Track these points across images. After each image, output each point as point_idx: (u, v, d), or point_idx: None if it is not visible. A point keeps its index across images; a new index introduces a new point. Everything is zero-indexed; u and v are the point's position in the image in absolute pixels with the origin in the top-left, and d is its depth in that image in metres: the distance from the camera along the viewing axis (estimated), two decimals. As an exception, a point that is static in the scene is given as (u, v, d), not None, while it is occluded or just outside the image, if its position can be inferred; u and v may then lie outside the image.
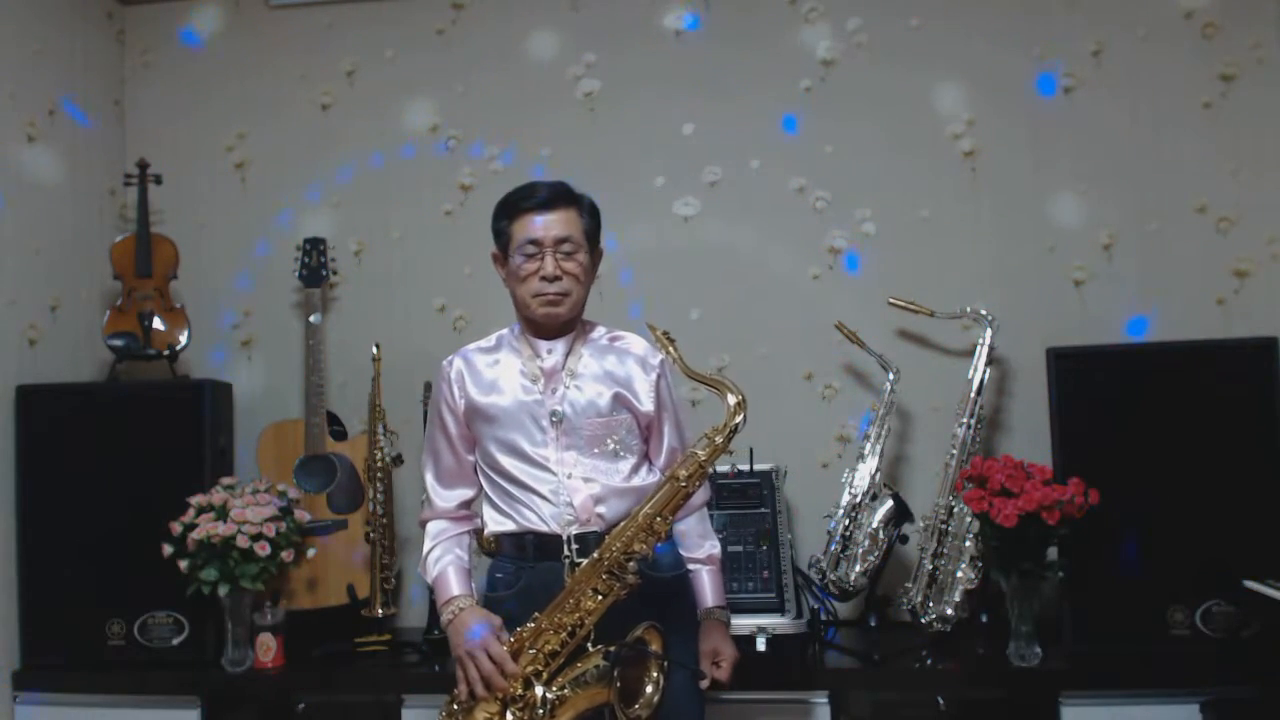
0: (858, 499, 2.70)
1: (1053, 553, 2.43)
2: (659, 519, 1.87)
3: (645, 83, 3.04)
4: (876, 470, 2.72)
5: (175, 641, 2.65)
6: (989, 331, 2.71)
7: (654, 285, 3.00)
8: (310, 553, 2.76)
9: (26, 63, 2.84)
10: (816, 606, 2.67)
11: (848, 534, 2.68)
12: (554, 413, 1.99)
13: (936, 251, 2.92)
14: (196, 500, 2.59)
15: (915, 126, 2.95)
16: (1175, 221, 2.84)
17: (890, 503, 2.68)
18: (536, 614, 1.87)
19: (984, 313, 2.73)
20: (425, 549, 2.09)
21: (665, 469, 2.04)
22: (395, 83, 3.14)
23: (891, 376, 2.78)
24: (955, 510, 2.60)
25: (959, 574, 2.57)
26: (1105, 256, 2.87)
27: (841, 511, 2.70)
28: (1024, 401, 2.83)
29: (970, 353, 2.74)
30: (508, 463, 2.00)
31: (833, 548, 2.69)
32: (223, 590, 2.53)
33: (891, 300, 2.80)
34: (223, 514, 2.56)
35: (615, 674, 1.78)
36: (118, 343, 2.86)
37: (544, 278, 1.97)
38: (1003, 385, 2.86)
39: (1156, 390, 2.47)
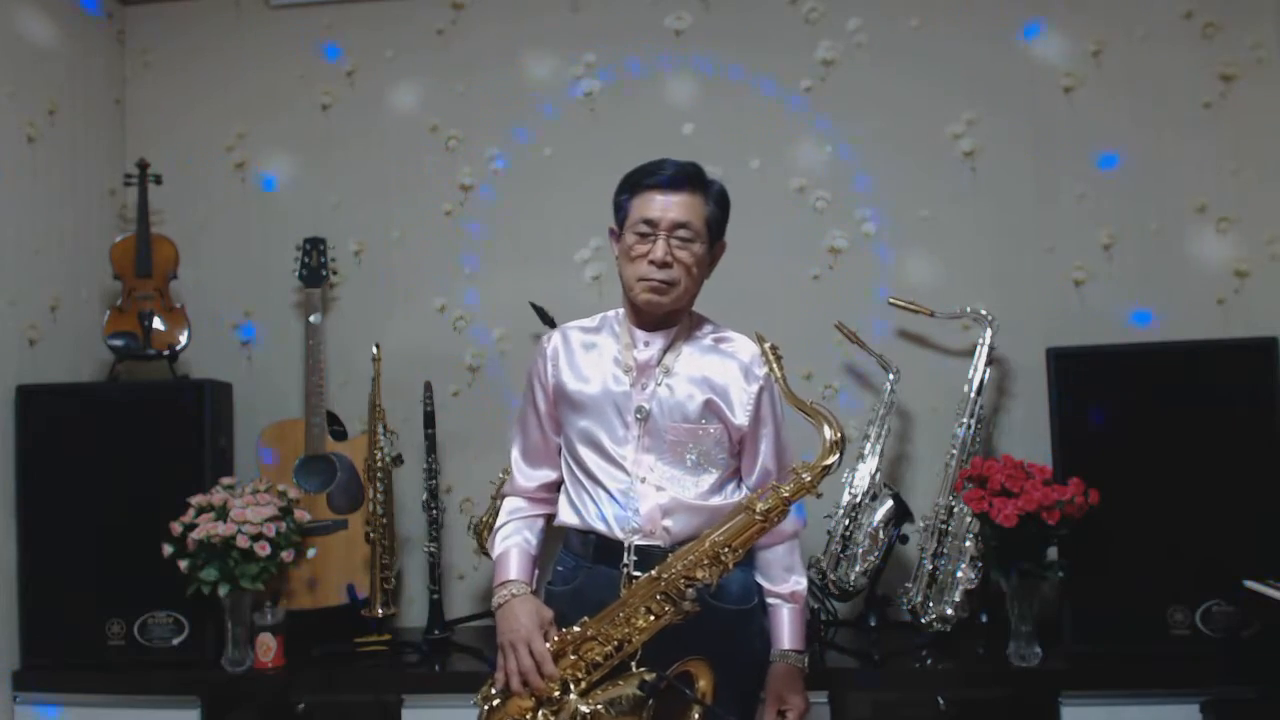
0: (858, 499, 2.70)
1: (1053, 553, 2.43)
2: (727, 550, 1.73)
3: (645, 83, 3.04)
4: (876, 470, 2.72)
5: (175, 641, 2.65)
6: (989, 331, 2.71)
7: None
8: (310, 553, 2.76)
9: (26, 63, 2.84)
10: (816, 606, 2.67)
11: (848, 534, 2.68)
12: (640, 409, 1.88)
13: (936, 251, 2.92)
14: (196, 500, 2.59)
15: (915, 126, 2.95)
16: (1175, 221, 2.84)
17: (890, 503, 2.68)
18: (586, 619, 1.79)
19: (984, 313, 2.73)
20: (498, 523, 2.02)
21: (755, 489, 1.90)
22: (395, 83, 3.14)
23: (891, 376, 2.78)
24: (955, 510, 2.60)
25: (959, 574, 2.57)
26: (1105, 256, 2.87)
27: (841, 511, 2.70)
28: (1024, 401, 2.83)
29: (970, 353, 2.74)
30: (585, 454, 1.91)
31: (833, 548, 2.69)
32: (223, 590, 2.53)
33: (891, 300, 2.80)
34: (223, 514, 2.56)
35: (649, 705, 1.68)
36: (118, 343, 2.86)
37: (652, 262, 1.86)
38: (1003, 385, 2.86)
39: (1156, 390, 2.47)
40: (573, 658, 1.78)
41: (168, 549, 2.56)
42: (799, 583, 1.96)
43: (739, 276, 2.98)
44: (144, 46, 3.24)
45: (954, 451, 2.66)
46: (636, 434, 1.88)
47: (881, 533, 2.66)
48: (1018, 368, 2.84)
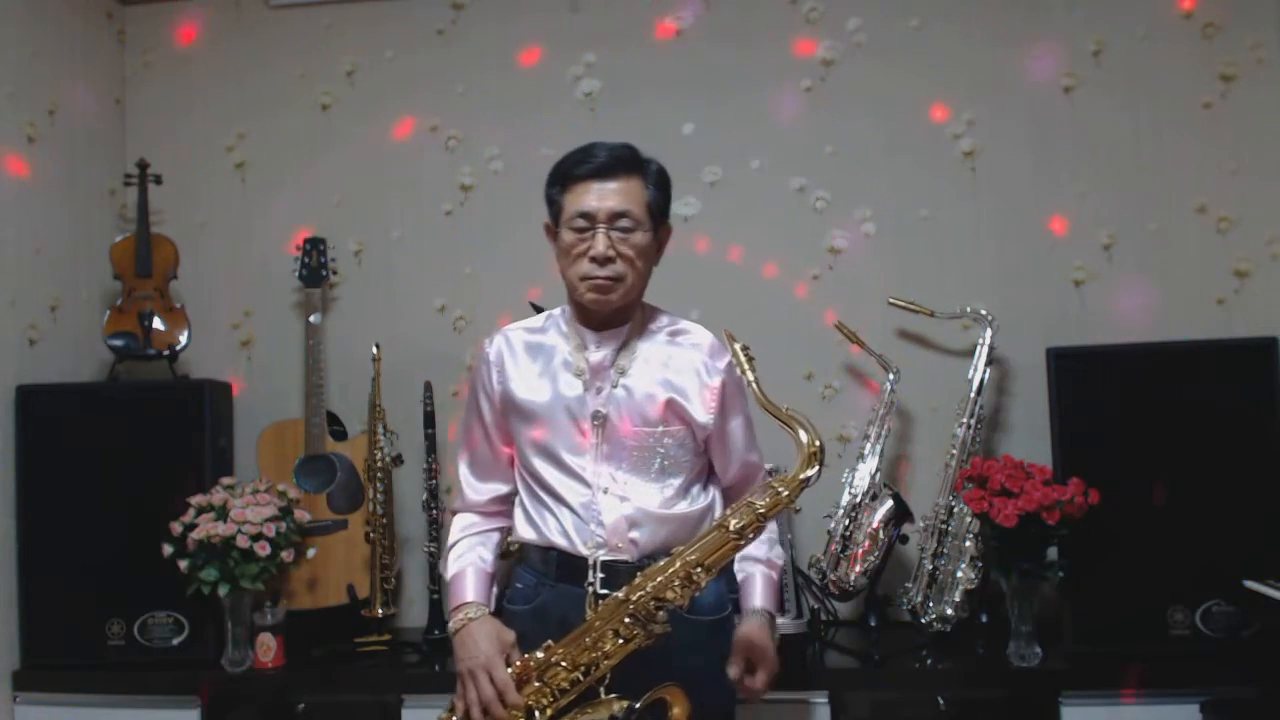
0: (858, 499, 2.70)
1: (1053, 553, 2.43)
2: (700, 569, 1.62)
3: (645, 83, 3.04)
4: (876, 470, 2.72)
5: (175, 641, 2.65)
6: (989, 331, 2.71)
7: (654, 285, 2.97)
8: (310, 553, 2.76)
9: (26, 63, 2.84)
10: (816, 606, 2.67)
11: (848, 534, 2.68)
12: (596, 414, 1.76)
13: (936, 251, 2.92)
14: (196, 500, 2.59)
15: (915, 126, 2.95)
16: (1175, 221, 2.84)
17: (890, 503, 2.68)
18: (550, 643, 1.68)
19: (984, 313, 2.73)
20: (449, 541, 1.89)
21: (737, 486, 1.83)
22: (395, 83, 3.14)
23: (891, 376, 2.78)
24: (955, 510, 2.60)
25: (959, 574, 2.57)
26: (1105, 256, 2.87)
27: (841, 511, 2.70)
28: (1024, 401, 2.83)
29: (970, 353, 2.74)
30: (540, 467, 1.78)
31: (832, 548, 2.69)
32: (223, 590, 2.53)
33: (891, 300, 2.80)
34: (223, 514, 2.56)
35: None
36: (118, 343, 2.86)
37: (594, 259, 1.72)
38: (1003, 385, 2.86)
39: (1156, 390, 2.47)
40: (537, 684, 1.67)
41: (168, 549, 2.56)
42: (778, 554, 1.85)
43: (739, 276, 3.00)
44: (144, 46, 3.23)
45: (954, 451, 2.66)
46: (595, 442, 1.75)
47: (881, 533, 2.66)
48: (1018, 368, 2.84)
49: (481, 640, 1.71)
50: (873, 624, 2.70)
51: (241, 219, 3.17)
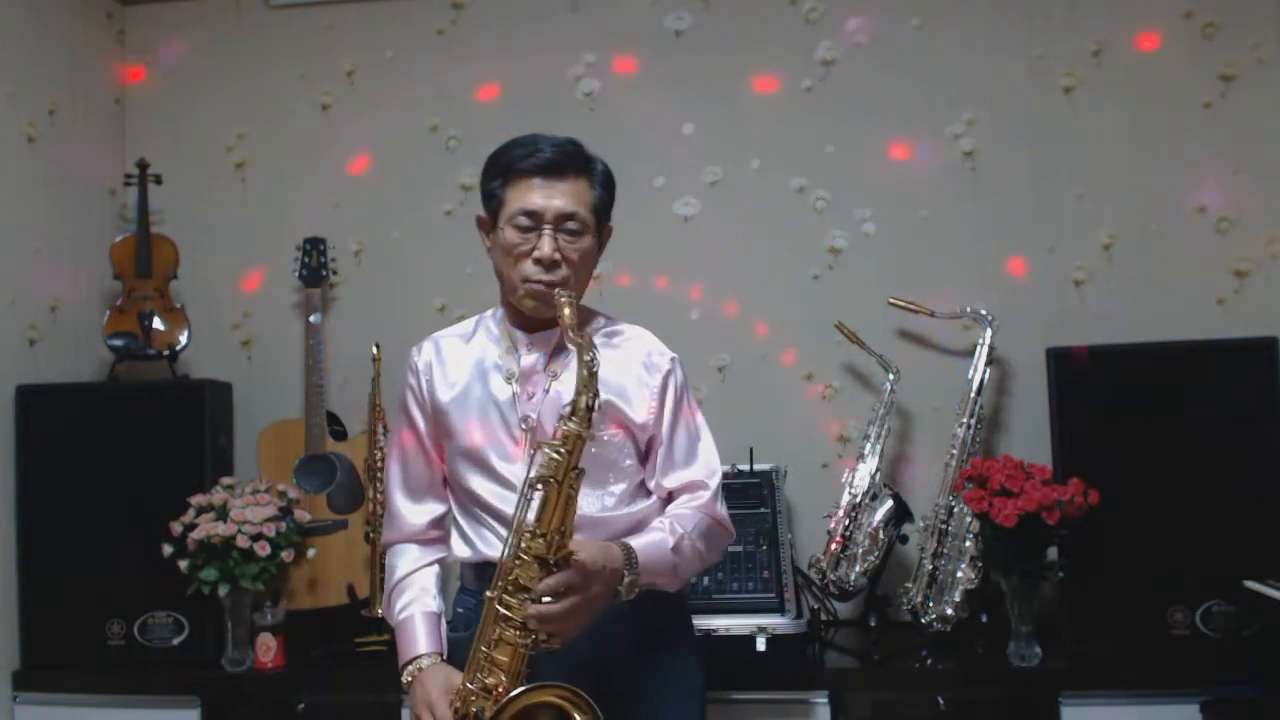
0: (858, 499, 2.70)
1: (1053, 553, 2.43)
2: (540, 538, 1.48)
3: (645, 83, 3.04)
4: (876, 470, 2.72)
5: (175, 641, 2.65)
6: (989, 331, 2.71)
7: (654, 285, 3.00)
8: (310, 553, 2.76)
9: (26, 63, 2.84)
10: (816, 606, 2.67)
11: (848, 534, 2.68)
12: (525, 419, 1.67)
13: (936, 251, 2.92)
14: (196, 500, 2.59)
15: (915, 126, 2.95)
16: (1175, 221, 2.84)
17: (890, 503, 2.68)
18: (460, 671, 1.59)
19: (984, 313, 2.73)
20: (391, 581, 1.77)
21: (675, 495, 1.72)
22: (395, 83, 3.14)
23: (891, 376, 2.78)
24: (955, 510, 2.60)
25: (959, 574, 2.57)
26: (1105, 256, 2.87)
27: (841, 511, 2.70)
28: (1024, 401, 2.83)
29: (970, 353, 2.74)
30: (471, 479, 1.70)
31: (833, 548, 2.69)
32: (223, 590, 2.53)
33: (891, 300, 2.80)
34: (223, 514, 2.56)
35: None
36: (118, 343, 2.86)
37: (539, 261, 1.64)
38: (1003, 385, 2.86)
39: (1156, 390, 2.47)
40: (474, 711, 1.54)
41: (168, 549, 2.56)
42: (689, 542, 1.65)
43: (740, 276, 3.00)
44: (144, 46, 3.23)
45: (954, 451, 2.66)
46: (527, 449, 1.64)
47: (881, 533, 2.66)
48: (1018, 368, 2.84)
49: (431, 687, 1.63)
50: (873, 624, 2.70)
51: (241, 219, 3.17)
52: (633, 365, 1.73)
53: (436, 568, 1.81)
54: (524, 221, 1.66)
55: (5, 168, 2.76)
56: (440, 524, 1.81)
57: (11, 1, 2.79)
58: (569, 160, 1.68)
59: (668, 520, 1.68)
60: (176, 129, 3.19)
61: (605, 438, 1.68)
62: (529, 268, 1.66)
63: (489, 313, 1.83)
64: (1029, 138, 2.90)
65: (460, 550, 1.75)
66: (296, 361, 3.00)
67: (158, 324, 2.91)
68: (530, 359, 1.72)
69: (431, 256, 3.09)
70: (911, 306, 2.77)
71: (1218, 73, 2.84)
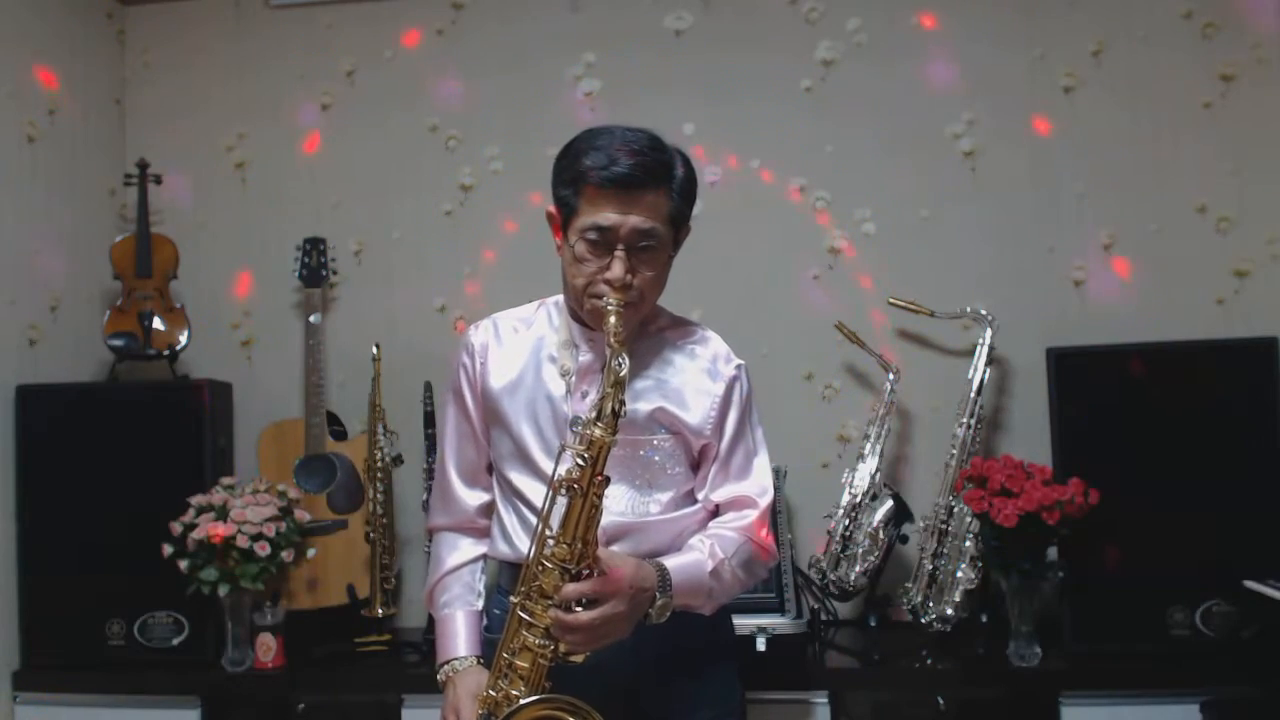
0: (858, 499, 2.70)
1: (1053, 553, 2.43)
2: (564, 545, 1.45)
3: (645, 83, 3.04)
4: (876, 470, 2.72)
5: (175, 641, 2.65)
6: (989, 331, 2.71)
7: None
8: (310, 553, 2.76)
9: (26, 63, 2.84)
10: (816, 606, 2.67)
11: (848, 534, 2.68)
12: (575, 420, 1.59)
13: (936, 251, 2.92)
14: (196, 500, 2.59)
15: (915, 126, 2.95)
16: (1175, 221, 2.84)
17: (890, 503, 2.68)
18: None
19: (984, 313, 2.73)
20: (436, 573, 1.76)
21: (722, 509, 1.66)
22: (395, 83, 3.14)
23: (891, 376, 2.78)
24: (955, 510, 2.60)
25: (959, 574, 2.57)
26: (1105, 256, 2.87)
27: (841, 511, 2.70)
28: (1024, 401, 2.83)
29: (970, 353, 2.74)
30: (514, 474, 1.66)
31: (833, 548, 2.69)
32: (223, 590, 2.53)
33: (891, 300, 2.80)
34: (223, 514, 2.56)
35: None
36: (118, 343, 2.86)
37: (609, 282, 1.54)
38: (1003, 385, 2.86)
39: (1156, 390, 2.47)
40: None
41: (168, 549, 2.56)
42: (729, 568, 1.59)
43: (740, 276, 3.00)
44: (144, 46, 3.23)
45: (954, 451, 2.66)
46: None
47: (881, 533, 2.66)
48: (1018, 368, 2.84)
49: (462, 692, 1.63)
50: (873, 624, 2.71)
51: (241, 219, 3.17)
52: (695, 370, 1.67)
53: (483, 563, 1.78)
54: (594, 236, 1.56)
55: (5, 167, 2.76)
56: (488, 513, 1.76)
57: (11, 1, 2.79)
58: (648, 173, 1.55)
59: (708, 541, 1.61)
60: (176, 129, 3.19)
61: (655, 442, 1.63)
62: (599, 287, 1.57)
63: (552, 300, 1.75)
64: (1029, 138, 2.90)
65: (501, 548, 1.71)
66: (296, 361, 3.00)
67: (158, 324, 2.91)
68: (587, 358, 1.65)
69: (431, 256, 3.09)
70: (911, 306, 2.77)
71: (1218, 73, 2.84)
